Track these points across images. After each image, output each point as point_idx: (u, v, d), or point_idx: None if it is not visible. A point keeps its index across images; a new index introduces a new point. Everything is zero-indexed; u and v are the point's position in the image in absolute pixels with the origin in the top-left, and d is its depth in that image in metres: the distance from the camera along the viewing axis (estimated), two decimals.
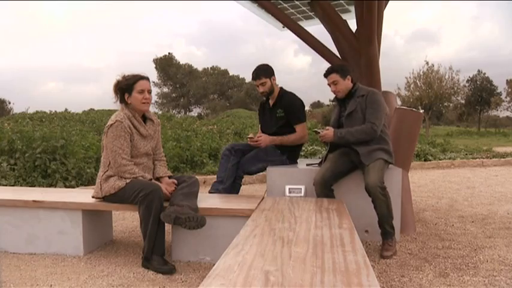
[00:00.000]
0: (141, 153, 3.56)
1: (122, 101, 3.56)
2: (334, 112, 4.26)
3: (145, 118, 3.65)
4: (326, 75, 4.02)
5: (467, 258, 3.56)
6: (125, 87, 3.50)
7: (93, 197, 3.59)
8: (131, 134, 3.47)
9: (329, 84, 4.03)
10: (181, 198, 3.37)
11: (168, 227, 3.46)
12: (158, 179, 3.65)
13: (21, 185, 6.27)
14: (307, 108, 52.76)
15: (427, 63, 36.70)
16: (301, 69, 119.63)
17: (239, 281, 1.65)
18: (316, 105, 60.14)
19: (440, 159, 11.42)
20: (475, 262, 3.45)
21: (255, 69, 4.46)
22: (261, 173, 4.63)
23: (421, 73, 36.67)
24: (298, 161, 4.69)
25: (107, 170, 3.48)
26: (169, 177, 3.70)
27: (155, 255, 3.27)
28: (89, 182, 6.87)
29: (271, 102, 4.56)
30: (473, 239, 4.12)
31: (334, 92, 4.06)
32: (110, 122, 3.45)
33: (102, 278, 3.12)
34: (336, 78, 3.96)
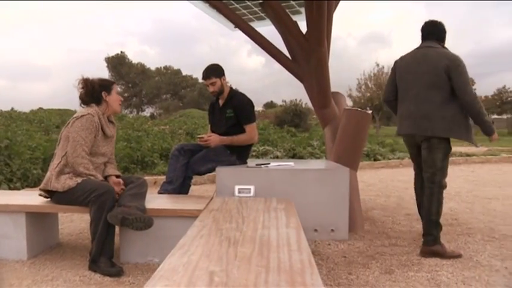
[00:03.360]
0: (100, 152, 3.54)
1: (94, 99, 3.60)
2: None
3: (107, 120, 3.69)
4: None
5: (412, 254, 3.66)
6: (106, 85, 3.65)
7: (40, 189, 3.50)
8: (97, 131, 3.48)
9: None
10: (129, 199, 3.33)
11: (116, 229, 3.39)
12: (106, 178, 3.60)
13: None
14: (260, 108, 53.01)
15: (378, 65, 37.63)
16: (255, 70, 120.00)
17: (183, 282, 1.64)
18: (269, 105, 60.39)
19: (389, 159, 11.69)
20: (419, 258, 3.56)
21: (205, 69, 4.46)
22: (212, 173, 4.62)
23: (372, 74, 37.54)
24: (248, 161, 4.70)
25: (60, 162, 3.41)
26: (117, 177, 3.65)
27: (103, 257, 3.22)
28: (35, 183, 6.65)
29: (221, 102, 4.56)
30: (418, 235, 4.23)
31: None
32: (79, 114, 3.47)
33: (46, 282, 3.03)
34: None
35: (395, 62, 4.02)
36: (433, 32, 3.93)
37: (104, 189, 3.26)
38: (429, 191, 3.86)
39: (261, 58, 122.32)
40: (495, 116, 49.97)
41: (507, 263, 3.43)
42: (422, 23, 3.98)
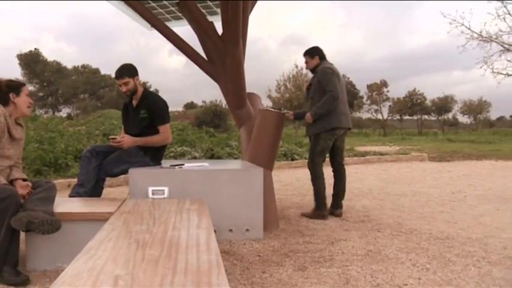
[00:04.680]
0: (5, 155, 3.37)
1: (1, 100, 3.42)
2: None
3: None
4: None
5: (324, 251, 3.76)
6: (14, 86, 3.48)
7: None
8: (3, 132, 3.31)
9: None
10: (36, 203, 3.18)
11: (22, 235, 3.23)
12: (11, 182, 3.42)
13: None
14: (180, 108, 52.57)
15: (297, 66, 38.39)
16: (175, 70, 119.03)
17: (86, 287, 1.59)
18: (190, 105, 60.07)
19: (306, 159, 11.91)
20: (332, 254, 3.66)
21: (118, 69, 4.37)
22: (127, 175, 4.53)
23: (291, 76, 38.27)
24: (162, 162, 4.65)
25: None
26: (24, 180, 3.48)
27: (7, 265, 3.04)
28: None
29: (134, 102, 4.48)
30: (332, 232, 4.37)
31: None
32: None
33: None
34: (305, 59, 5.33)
35: (334, 69, 5.10)
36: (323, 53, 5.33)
37: (7, 193, 3.09)
38: (344, 171, 5.41)
39: (181, 58, 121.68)
40: (407, 117, 52.54)
41: (411, 255, 3.62)
42: (310, 46, 5.37)
